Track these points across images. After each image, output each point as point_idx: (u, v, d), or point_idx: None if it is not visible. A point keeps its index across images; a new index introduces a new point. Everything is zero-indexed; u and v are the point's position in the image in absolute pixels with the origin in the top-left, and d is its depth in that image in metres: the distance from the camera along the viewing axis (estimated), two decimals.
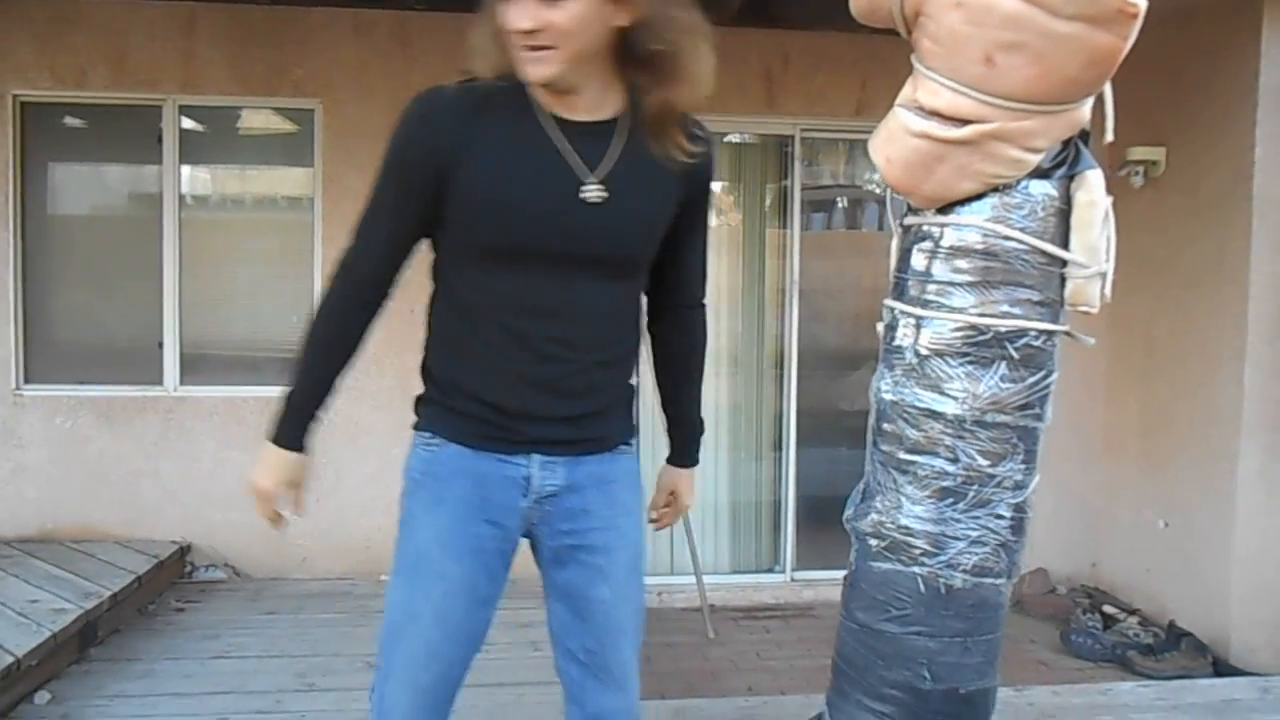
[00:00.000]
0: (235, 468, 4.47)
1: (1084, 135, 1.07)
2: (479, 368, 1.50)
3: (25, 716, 2.98)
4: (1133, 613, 4.37)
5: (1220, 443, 4.01)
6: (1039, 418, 1.09)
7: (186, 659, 3.48)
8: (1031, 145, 0.98)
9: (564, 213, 1.40)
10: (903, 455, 1.11)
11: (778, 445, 4.92)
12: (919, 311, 1.09)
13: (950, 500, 1.08)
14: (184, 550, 4.43)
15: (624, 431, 1.61)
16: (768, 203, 5.00)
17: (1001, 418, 1.06)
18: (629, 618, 1.58)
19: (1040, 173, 1.03)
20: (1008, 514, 1.09)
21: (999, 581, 1.10)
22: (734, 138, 5.02)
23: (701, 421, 1.75)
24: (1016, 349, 1.05)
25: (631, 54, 1.35)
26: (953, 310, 1.06)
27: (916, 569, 1.09)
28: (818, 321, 4.96)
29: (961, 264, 1.06)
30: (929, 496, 1.09)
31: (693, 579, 4.42)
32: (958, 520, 1.08)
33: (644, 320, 1.66)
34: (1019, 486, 1.09)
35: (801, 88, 4.63)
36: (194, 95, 4.43)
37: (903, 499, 1.11)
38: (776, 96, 4.67)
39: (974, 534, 1.08)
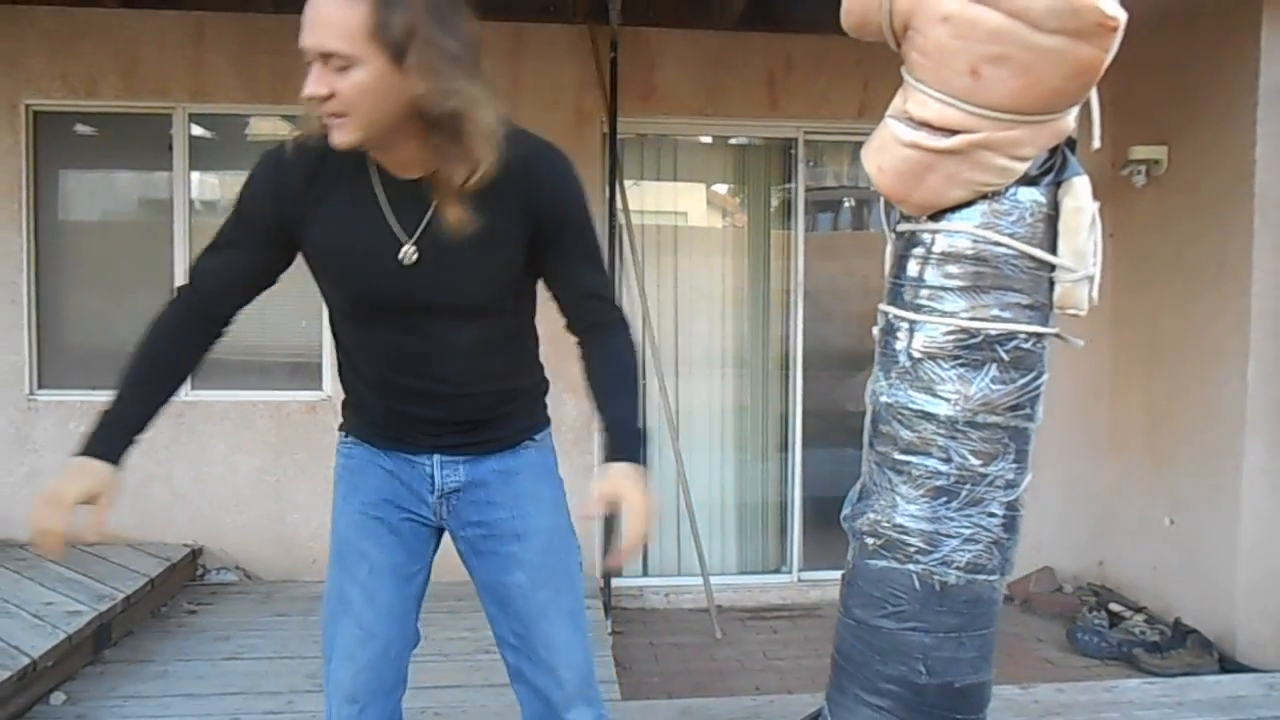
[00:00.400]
0: (245, 472, 4.54)
1: (1071, 143, 1.09)
2: (366, 398, 1.62)
3: (41, 717, 3.03)
4: (1139, 610, 4.38)
5: (1224, 439, 4.02)
6: (1030, 418, 1.12)
7: (199, 660, 3.52)
8: (1018, 154, 1.01)
9: (387, 273, 1.46)
10: (897, 456, 1.14)
11: (783, 446, 4.95)
12: (912, 316, 1.12)
13: (944, 499, 1.11)
14: (195, 553, 4.48)
15: (527, 430, 1.67)
16: (773, 205, 5.03)
17: (993, 418, 1.09)
18: (550, 600, 1.63)
19: (1028, 180, 1.06)
20: (1000, 512, 1.12)
21: (992, 578, 1.13)
22: (738, 140, 5.05)
23: (636, 428, 1.63)
24: (1007, 351, 1.08)
25: (428, 118, 1.38)
26: (944, 314, 1.09)
27: (912, 566, 1.12)
28: (823, 322, 4.98)
29: (953, 269, 1.09)
30: (923, 496, 1.12)
31: (700, 580, 4.45)
32: (951, 519, 1.10)
33: (530, 340, 1.68)
34: (1011, 485, 1.12)
35: (804, 90, 4.65)
36: (203, 103, 4.48)
37: (898, 498, 1.14)
38: (780, 99, 4.70)
39: (967, 532, 1.10)
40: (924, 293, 1.11)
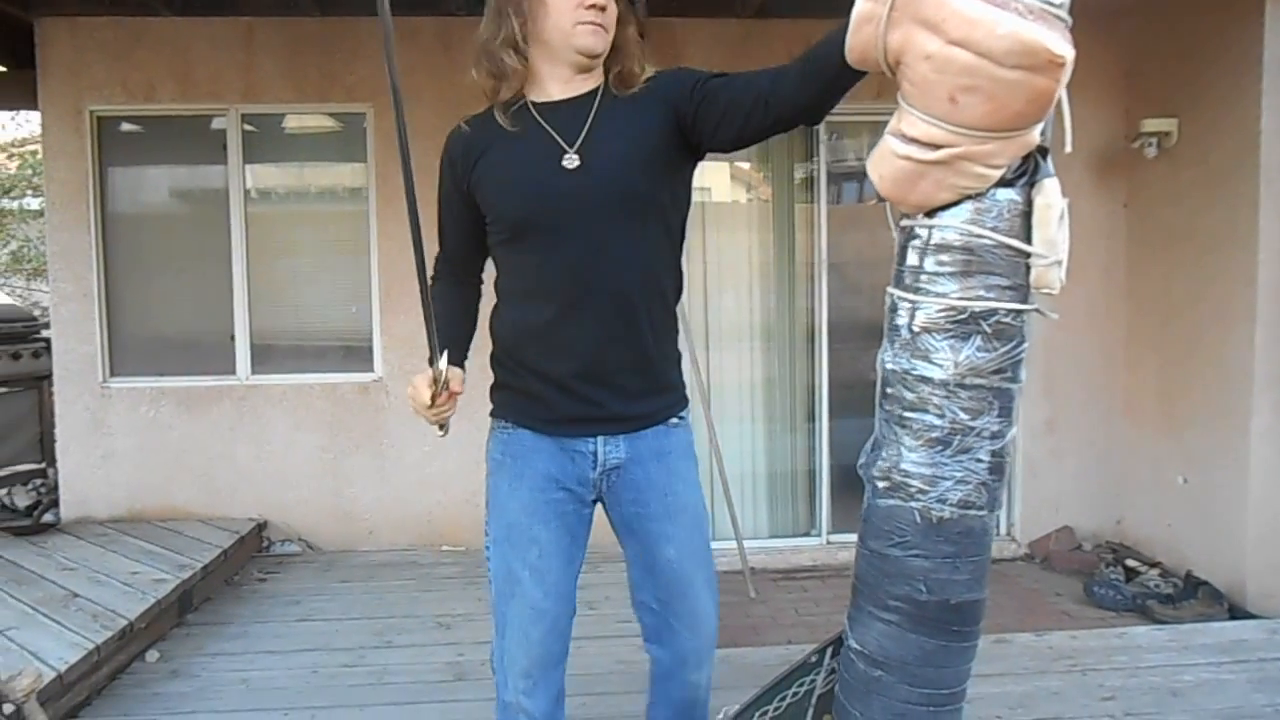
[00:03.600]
0: (304, 450, 4.84)
1: (1044, 151, 1.30)
2: (533, 372, 1.78)
3: (140, 672, 3.34)
4: (1154, 565, 4.58)
5: (1234, 401, 4.20)
6: (1012, 380, 1.34)
7: (274, 621, 3.83)
8: (992, 163, 1.22)
9: (554, 180, 1.68)
10: (901, 413, 1.36)
11: (811, 416, 5.16)
12: (913, 297, 1.34)
13: (939, 448, 1.33)
14: (261, 526, 4.79)
15: (674, 405, 1.84)
16: (796, 179, 5.20)
17: (979, 380, 1.31)
18: (696, 570, 1.83)
19: (1006, 182, 1.28)
20: (986, 458, 1.33)
21: (981, 513, 1.35)
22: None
23: None
24: (990, 325, 1.30)
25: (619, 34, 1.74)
26: (938, 295, 1.31)
27: (913, 504, 1.35)
28: (848, 294, 5.15)
29: (944, 258, 1.31)
30: (922, 445, 1.34)
31: (734, 543, 4.69)
32: (945, 464, 1.33)
33: (674, 287, 1.84)
34: (996, 436, 1.34)
35: None
36: (254, 104, 4.74)
37: (902, 449, 1.36)
38: None
39: (959, 475, 1.33)
40: (922, 277, 1.33)
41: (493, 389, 1.88)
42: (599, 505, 1.87)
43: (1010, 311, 1.30)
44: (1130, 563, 4.66)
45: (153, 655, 3.46)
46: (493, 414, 1.88)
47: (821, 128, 4.97)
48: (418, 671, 3.30)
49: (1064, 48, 1.11)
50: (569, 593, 1.80)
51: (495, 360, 1.87)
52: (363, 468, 4.85)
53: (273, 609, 3.98)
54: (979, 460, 1.32)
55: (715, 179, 5.41)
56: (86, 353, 4.74)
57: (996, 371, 1.31)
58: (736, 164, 5.41)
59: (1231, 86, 4.17)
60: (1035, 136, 1.22)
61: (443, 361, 1.67)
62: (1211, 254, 4.33)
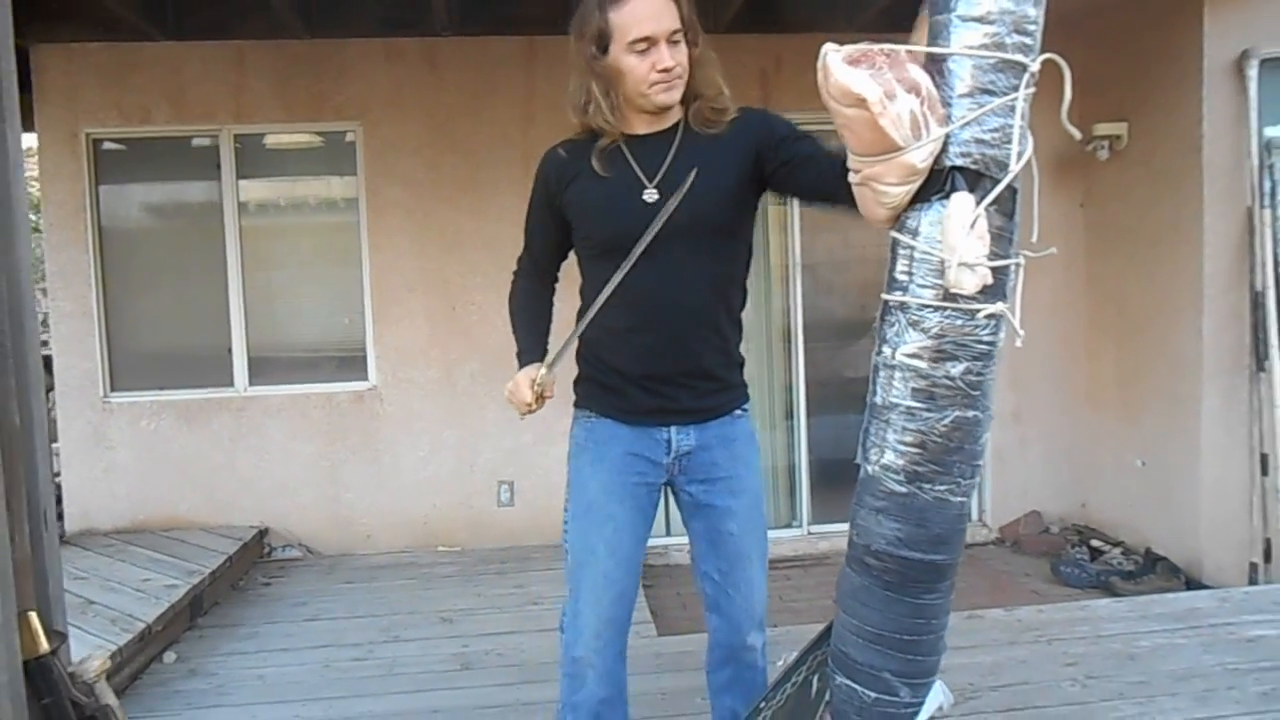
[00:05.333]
0: (302, 458, 5.00)
1: (961, 170, 1.52)
2: (614, 371, 2.01)
3: (159, 672, 3.50)
4: (1117, 544, 4.85)
5: (1185, 388, 4.47)
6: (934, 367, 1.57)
7: (284, 622, 4.00)
8: (887, 181, 1.47)
9: (635, 210, 1.90)
10: (889, 401, 1.60)
11: (789, 414, 5.38)
12: (900, 298, 1.57)
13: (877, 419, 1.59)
14: (262, 533, 4.95)
15: (738, 400, 2.09)
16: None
17: (911, 364, 1.56)
18: (753, 545, 2.06)
19: (926, 199, 1.52)
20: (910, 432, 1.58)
21: (897, 476, 1.59)
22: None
23: None
24: (908, 316, 1.55)
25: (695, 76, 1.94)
26: (917, 296, 1.55)
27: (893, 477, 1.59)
28: (822, 294, 5.37)
29: (917, 266, 1.55)
30: (906, 428, 1.58)
31: None
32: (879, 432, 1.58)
33: (739, 306, 2.09)
34: (909, 413, 1.58)
35: (794, 86, 5.05)
36: (246, 124, 4.90)
37: (889, 431, 1.60)
38: (771, 95, 5.11)
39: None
40: (907, 282, 1.57)
41: (576, 381, 2.11)
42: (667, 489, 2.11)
43: (925, 306, 1.53)
44: (1095, 543, 4.92)
45: (170, 656, 3.62)
46: (577, 404, 2.11)
47: None
48: (426, 663, 3.48)
49: (863, 86, 1.37)
50: (637, 566, 2.02)
51: (581, 357, 2.10)
52: (360, 474, 5.02)
53: (280, 610, 4.14)
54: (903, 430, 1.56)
55: None
56: (87, 369, 4.87)
57: (913, 356, 1.54)
58: None
59: (1175, 91, 4.45)
60: (912, 158, 1.45)
61: (545, 372, 1.98)
62: (1161, 249, 4.60)
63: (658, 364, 1.98)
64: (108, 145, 4.94)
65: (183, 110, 4.87)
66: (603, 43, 1.87)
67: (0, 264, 1.63)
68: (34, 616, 1.62)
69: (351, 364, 5.05)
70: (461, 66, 4.91)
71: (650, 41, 1.83)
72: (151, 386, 4.96)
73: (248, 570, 4.69)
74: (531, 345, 2.09)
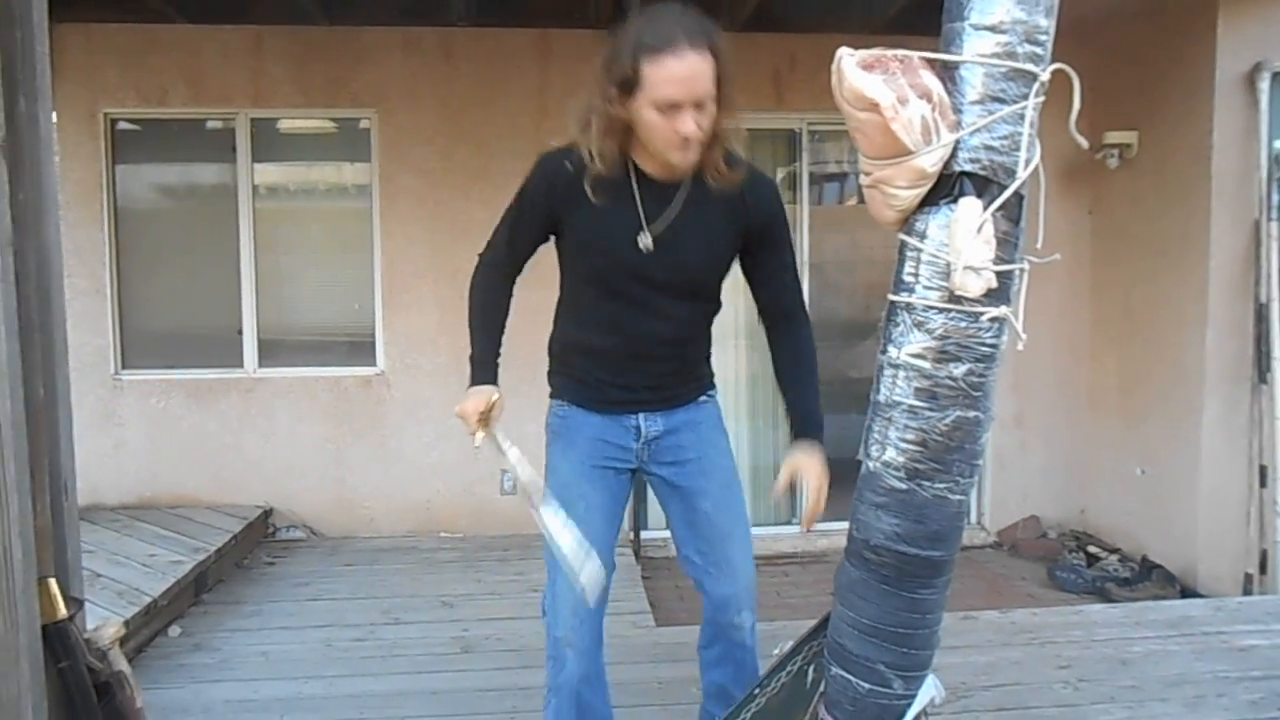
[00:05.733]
0: (308, 440, 5.05)
1: (970, 175, 1.56)
2: (588, 369, 2.08)
3: (164, 645, 3.55)
4: (1114, 551, 4.88)
5: (1187, 396, 4.50)
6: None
7: (286, 601, 4.05)
8: (897, 185, 1.51)
9: (630, 252, 1.95)
10: (893, 399, 1.63)
11: None
12: (907, 299, 1.60)
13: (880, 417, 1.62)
14: (267, 514, 5.00)
15: (703, 387, 2.17)
16: (779, 181, 5.46)
17: (916, 364, 1.59)
18: (732, 524, 2.12)
19: (934, 204, 1.55)
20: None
21: (898, 473, 1.62)
22: (745, 127, 5.47)
23: (819, 415, 2.08)
24: (914, 316, 1.58)
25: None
26: (924, 297, 1.58)
27: (892, 474, 1.63)
28: (829, 294, 5.42)
29: (924, 268, 1.58)
30: (908, 426, 1.61)
31: None
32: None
33: (710, 324, 2.16)
34: (912, 411, 1.61)
35: (807, 86, 5.09)
36: (263, 108, 4.94)
37: (891, 429, 1.64)
38: (784, 94, 5.14)
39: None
40: (913, 283, 1.61)
41: (550, 374, 2.19)
42: (638, 477, 2.18)
43: (930, 307, 1.56)
44: (1092, 549, 4.96)
45: (175, 630, 3.67)
46: (551, 395, 2.18)
47: (804, 133, 5.23)
48: (426, 645, 3.52)
49: (876, 91, 1.41)
50: (609, 547, 2.06)
51: (553, 353, 2.19)
52: (364, 458, 5.07)
53: (283, 589, 4.20)
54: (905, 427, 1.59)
55: None
56: (99, 346, 4.92)
57: (917, 356, 1.57)
58: None
59: (1187, 102, 4.47)
60: (922, 163, 1.48)
61: (496, 393, 1.97)
62: (1168, 258, 4.62)
63: (629, 376, 2.07)
64: (125, 125, 4.99)
65: (200, 93, 4.91)
66: (627, 88, 1.81)
67: (30, 243, 1.67)
68: (53, 583, 1.66)
69: (360, 349, 5.10)
70: (476, 57, 4.95)
71: (676, 108, 1.79)
72: (162, 365, 5.01)
73: (252, 549, 4.74)
74: (486, 356, 2.04)
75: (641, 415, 2.09)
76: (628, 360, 2.05)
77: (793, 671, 1.96)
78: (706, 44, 1.80)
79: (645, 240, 1.94)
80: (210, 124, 5.02)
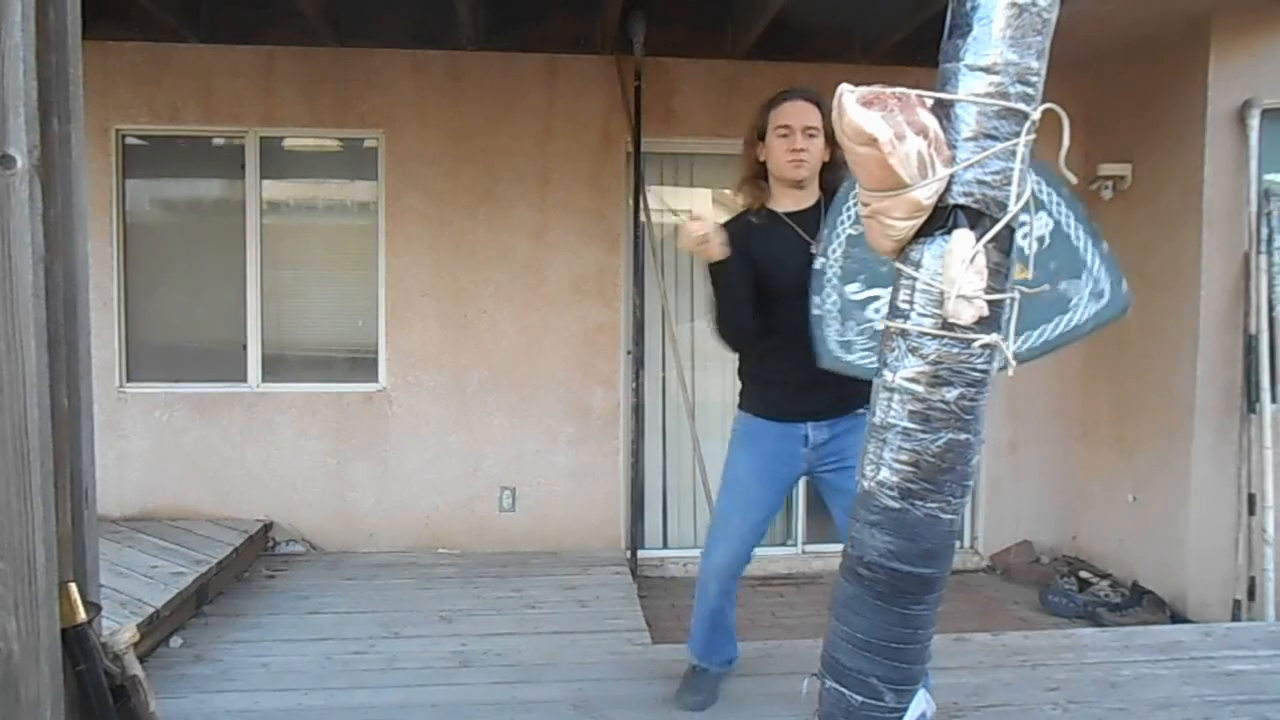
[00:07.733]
0: (310, 455, 5.10)
1: (963, 208, 1.63)
2: (771, 384, 2.77)
3: (165, 656, 3.59)
4: (1105, 576, 4.93)
5: (1178, 425, 4.56)
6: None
7: (287, 614, 4.08)
8: (894, 216, 1.58)
9: (800, 268, 2.52)
10: (888, 421, 1.69)
11: None
12: (902, 325, 1.67)
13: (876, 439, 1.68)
14: (267, 527, 5.04)
15: (857, 404, 2.56)
16: None
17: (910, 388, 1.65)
18: None
19: (930, 235, 1.62)
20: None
21: (891, 493, 1.68)
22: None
23: None
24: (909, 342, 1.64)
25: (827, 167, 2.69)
26: (917, 324, 1.65)
27: (887, 494, 1.68)
28: None
29: (919, 297, 1.65)
30: (902, 448, 1.67)
31: None
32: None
33: None
34: (907, 433, 1.67)
35: None
36: (273, 127, 5.03)
37: (885, 450, 1.69)
38: None
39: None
40: (909, 310, 1.67)
41: (741, 393, 2.89)
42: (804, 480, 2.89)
43: (924, 334, 1.63)
44: (1083, 574, 5.01)
45: (176, 641, 3.71)
46: (739, 406, 2.88)
47: None
48: (425, 659, 3.56)
49: (874, 126, 1.48)
50: (763, 531, 2.84)
51: (741, 374, 2.90)
52: (365, 473, 5.12)
53: (284, 602, 4.23)
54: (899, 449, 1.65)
55: (698, 203, 5.71)
56: (104, 358, 4.97)
57: (911, 380, 1.64)
58: (718, 189, 5.70)
59: (1179, 137, 4.57)
60: (918, 195, 1.55)
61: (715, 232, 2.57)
62: (1160, 288, 4.70)
63: (802, 400, 2.69)
64: (136, 141, 5.07)
65: (211, 111, 4.99)
66: (761, 130, 2.67)
67: (59, 259, 1.73)
68: (73, 587, 1.71)
69: (363, 365, 5.16)
70: (484, 81, 5.04)
71: (789, 130, 2.58)
72: (166, 378, 5.07)
73: (252, 562, 4.78)
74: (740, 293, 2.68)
75: (809, 424, 2.71)
76: (797, 370, 2.61)
77: None
78: (810, 95, 2.63)
79: (820, 261, 2.48)
80: (219, 141, 5.10)
